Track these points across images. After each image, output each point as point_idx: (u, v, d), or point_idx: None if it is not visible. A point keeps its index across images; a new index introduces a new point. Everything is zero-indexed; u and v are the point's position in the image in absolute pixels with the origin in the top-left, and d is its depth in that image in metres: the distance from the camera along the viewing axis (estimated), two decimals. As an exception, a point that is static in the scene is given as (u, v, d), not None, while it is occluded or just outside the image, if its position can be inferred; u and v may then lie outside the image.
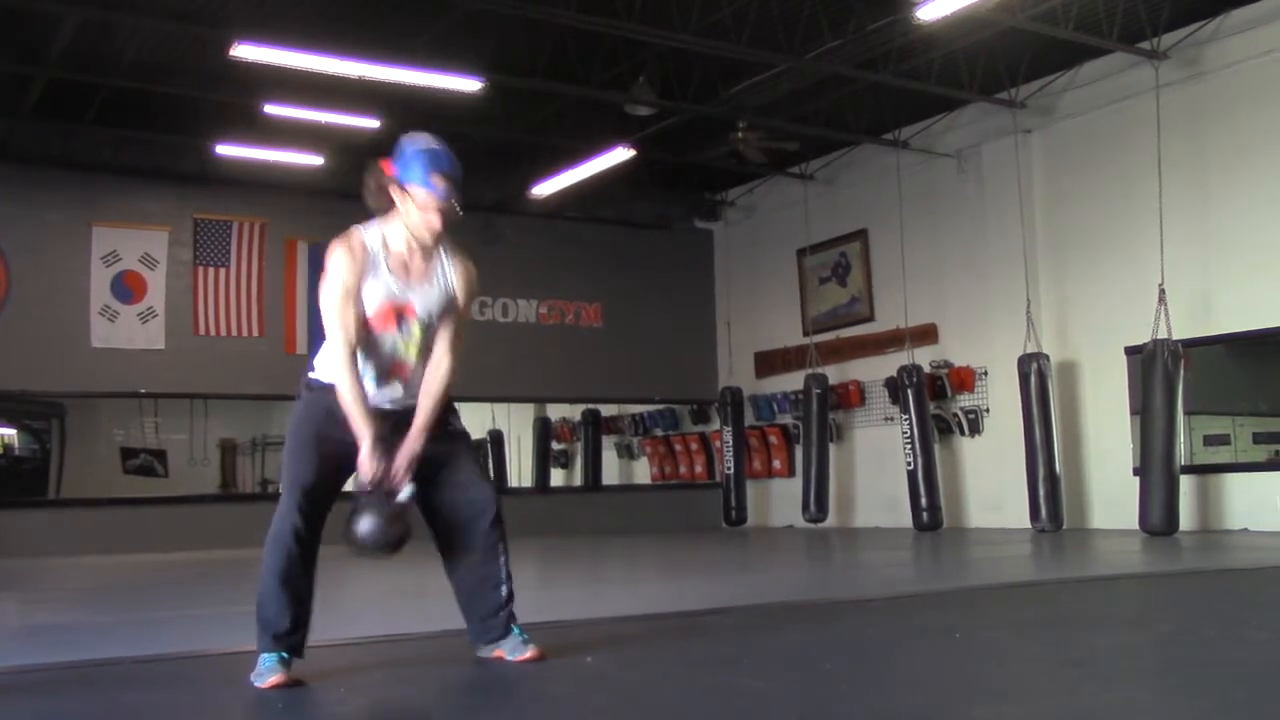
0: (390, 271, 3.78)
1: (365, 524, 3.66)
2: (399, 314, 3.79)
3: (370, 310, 3.76)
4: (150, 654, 4.45)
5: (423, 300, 3.83)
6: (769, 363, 16.53)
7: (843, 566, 9.53)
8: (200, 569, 10.25)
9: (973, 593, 6.26)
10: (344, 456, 3.75)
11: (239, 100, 11.99)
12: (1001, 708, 3.16)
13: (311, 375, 3.86)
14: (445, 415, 3.95)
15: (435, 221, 3.75)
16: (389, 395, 3.86)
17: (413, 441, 3.79)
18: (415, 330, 3.83)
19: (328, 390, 3.77)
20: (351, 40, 10.44)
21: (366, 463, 3.69)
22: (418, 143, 3.80)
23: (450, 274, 3.90)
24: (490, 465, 18.06)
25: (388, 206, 3.80)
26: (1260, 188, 11.01)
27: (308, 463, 3.71)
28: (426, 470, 3.83)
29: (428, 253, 3.85)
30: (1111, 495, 11.97)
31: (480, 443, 17.56)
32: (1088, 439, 12.43)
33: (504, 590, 3.91)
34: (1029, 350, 12.19)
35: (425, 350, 3.88)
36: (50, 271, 13.45)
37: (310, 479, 3.69)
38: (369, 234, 3.80)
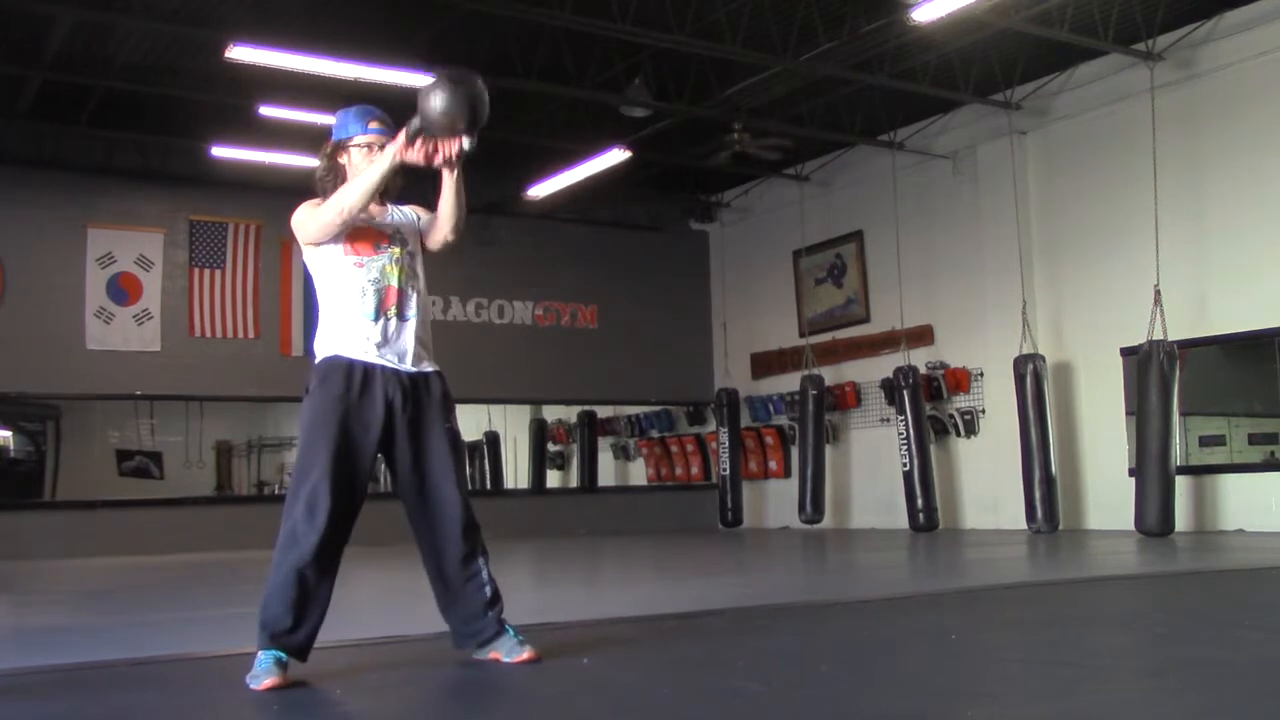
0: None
1: (436, 99, 3.73)
2: (373, 237, 3.94)
3: (345, 238, 3.91)
4: (145, 656, 4.45)
5: (391, 220, 4.01)
6: (765, 364, 16.54)
7: (838, 568, 9.54)
8: (195, 571, 10.24)
9: (968, 594, 6.26)
10: (360, 451, 3.76)
11: (234, 102, 11.98)
12: (996, 708, 3.16)
13: (316, 357, 3.89)
14: (446, 410, 3.95)
15: (382, 155, 3.88)
16: (392, 344, 3.87)
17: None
18: (395, 249, 3.96)
19: (334, 365, 3.80)
20: (346, 41, 10.43)
21: (409, 150, 3.79)
22: (348, 106, 4.12)
23: (406, 210, 4.10)
24: (487, 467, 18.04)
25: (341, 179, 3.98)
26: (1255, 189, 11.03)
27: (320, 458, 3.69)
28: (410, 463, 3.87)
29: (380, 200, 4.00)
30: (1107, 496, 11.98)
31: (476, 444, 17.54)
32: (1083, 440, 12.44)
33: (487, 591, 3.90)
34: (1024, 351, 12.21)
35: (411, 275, 3.97)
36: (45, 273, 13.43)
37: (323, 478, 3.67)
38: (324, 191, 4.02)
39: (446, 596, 3.94)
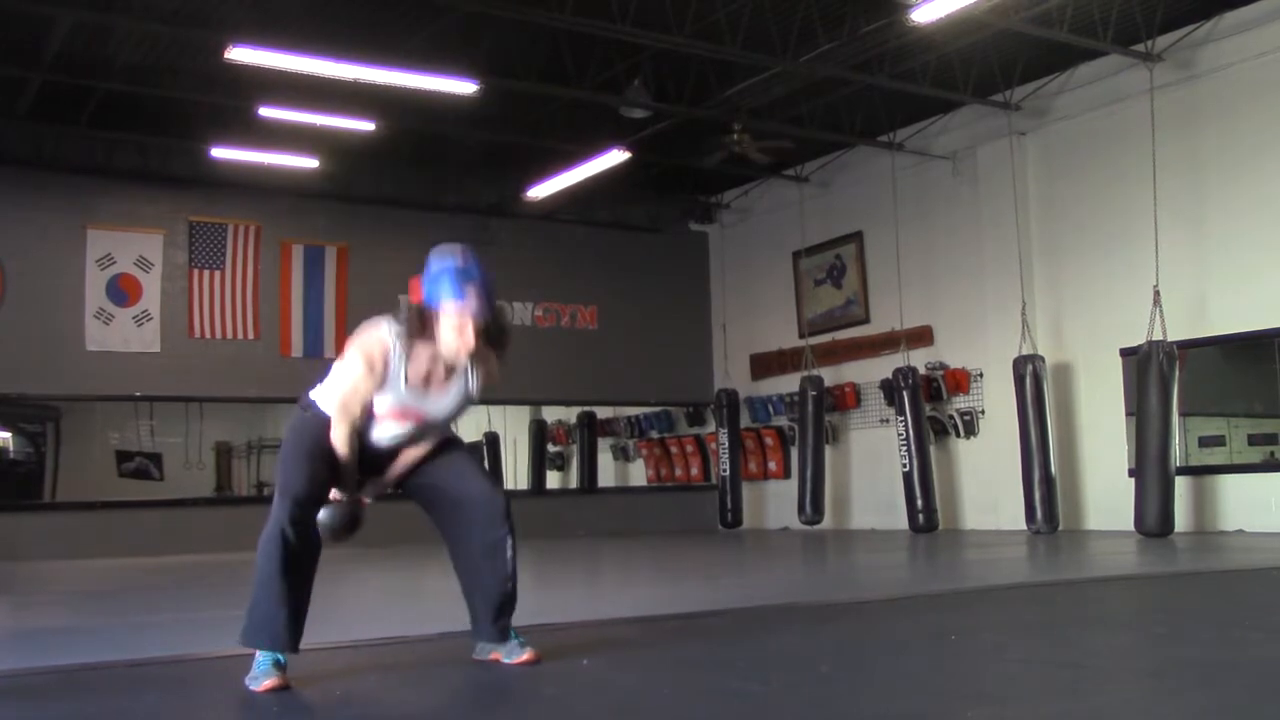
0: (407, 384, 3.77)
1: (323, 513, 3.80)
2: (407, 415, 3.85)
3: (379, 410, 3.81)
4: (145, 658, 4.45)
5: (437, 408, 3.86)
6: (764, 365, 16.54)
7: (838, 568, 9.53)
8: (195, 572, 10.23)
9: (968, 595, 6.27)
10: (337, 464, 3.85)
11: (234, 103, 11.98)
12: (997, 709, 3.16)
13: (314, 399, 3.90)
14: None
15: (470, 338, 3.69)
16: (380, 442, 3.93)
17: (386, 480, 3.95)
18: (419, 428, 3.90)
19: (326, 422, 3.83)
20: (346, 43, 10.43)
21: (340, 491, 3.82)
22: (445, 259, 3.73)
23: (472, 379, 3.87)
24: (487, 468, 18.04)
25: (428, 334, 3.72)
26: (1255, 189, 11.03)
27: (304, 472, 3.76)
28: (424, 468, 3.94)
29: (455, 364, 3.82)
30: (1107, 497, 11.98)
31: (476, 445, 17.55)
32: (1083, 441, 12.44)
33: (509, 585, 3.91)
34: (1024, 352, 12.20)
35: (424, 436, 3.95)
36: (45, 275, 13.42)
37: (304, 487, 3.74)
38: (395, 339, 3.73)
39: (470, 585, 3.96)
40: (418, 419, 3.85)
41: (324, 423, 3.82)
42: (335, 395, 3.79)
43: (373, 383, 3.73)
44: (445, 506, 3.96)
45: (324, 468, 3.79)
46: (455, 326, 3.67)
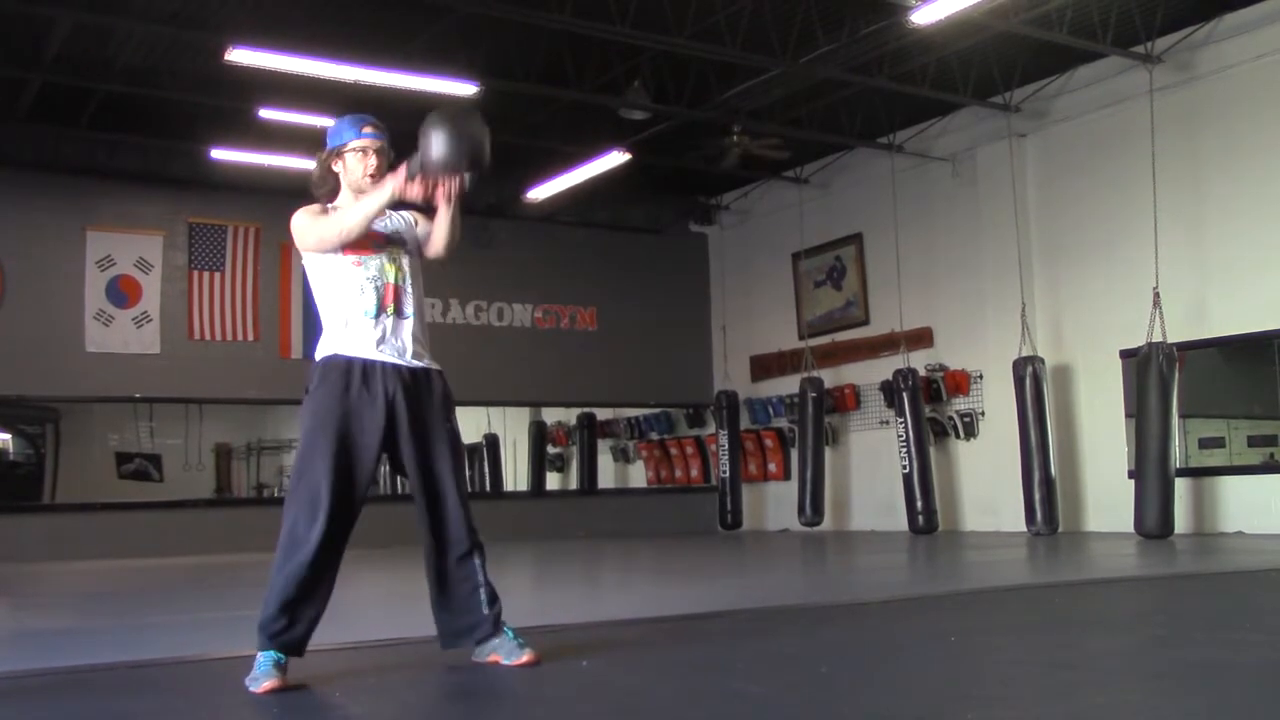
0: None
1: (436, 147, 3.70)
2: (371, 237, 3.93)
3: (353, 199, 3.96)
4: (145, 659, 4.45)
5: (388, 225, 4.01)
6: (764, 366, 16.55)
7: (838, 570, 9.54)
8: (195, 574, 10.23)
9: (968, 596, 6.27)
10: (360, 452, 3.77)
11: (233, 104, 11.98)
12: (996, 711, 3.16)
13: (316, 359, 3.90)
14: (447, 409, 3.95)
15: (372, 161, 3.96)
16: (391, 341, 3.88)
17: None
18: (393, 248, 3.97)
19: (333, 364, 3.82)
20: (346, 44, 10.43)
21: (409, 187, 3.78)
22: (342, 116, 4.09)
23: (405, 215, 4.09)
24: (486, 469, 18.04)
25: (335, 187, 4.03)
26: (1254, 190, 11.03)
27: (320, 458, 3.71)
28: (413, 461, 3.88)
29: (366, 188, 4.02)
30: (1106, 498, 11.98)
31: (476, 447, 17.54)
32: (1083, 442, 12.44)
33: (482, 592, 3.90)
34: (1024, 353, 12.21)
35: (408, 274, 3.97)
36: (44, 276, 13.42)
37: (323, 478, 3.69)
38: (320, 203, 4.06)
39: (441, 596, 3.95)
40: (378, 235, 3.95)
41: (330, 376, 3.80)
42: (304, 228, 3.95)
43: (318, 210, 3.96)
44: (419, 507, 3.93)
45: (345, 449, 3.73)
46: (359, 158, 3.96)
